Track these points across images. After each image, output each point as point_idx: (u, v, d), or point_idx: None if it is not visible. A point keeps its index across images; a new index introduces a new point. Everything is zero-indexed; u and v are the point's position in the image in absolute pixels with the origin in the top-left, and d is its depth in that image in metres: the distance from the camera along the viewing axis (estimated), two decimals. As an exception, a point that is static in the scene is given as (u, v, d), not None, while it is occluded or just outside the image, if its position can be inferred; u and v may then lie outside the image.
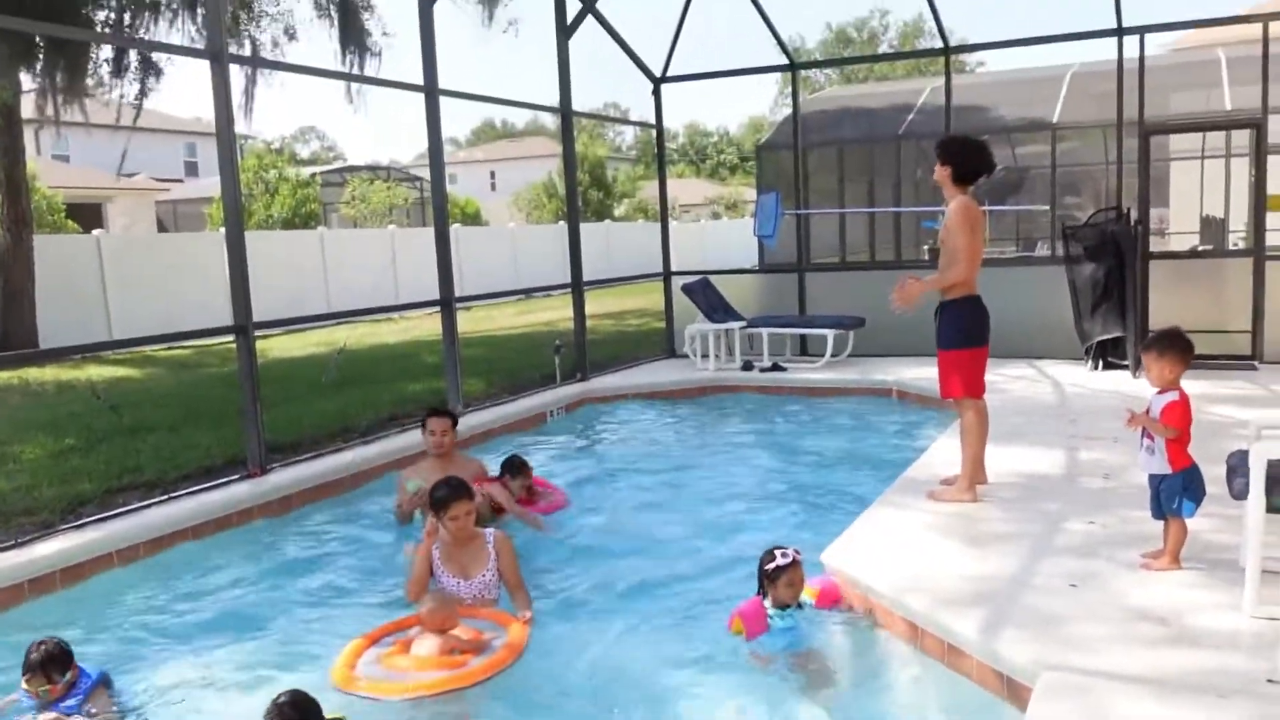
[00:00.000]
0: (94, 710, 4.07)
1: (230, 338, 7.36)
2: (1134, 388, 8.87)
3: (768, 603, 4.59)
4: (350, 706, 4.01)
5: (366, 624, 4.97)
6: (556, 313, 20.42)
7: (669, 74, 12.59)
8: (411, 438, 8.44)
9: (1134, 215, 10.03)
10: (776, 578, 4.56)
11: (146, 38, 16.03)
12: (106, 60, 17.16)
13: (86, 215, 29.05)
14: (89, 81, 16.98)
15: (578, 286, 11.43)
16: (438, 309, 9.46)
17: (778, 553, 4.62)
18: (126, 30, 16.22)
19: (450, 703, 4.17)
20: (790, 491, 7.12)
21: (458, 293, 9.79)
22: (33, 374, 14.38)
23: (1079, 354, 10.38)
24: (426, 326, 19.28)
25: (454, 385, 9.29)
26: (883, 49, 61.12)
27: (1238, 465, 4.26)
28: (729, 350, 11.63)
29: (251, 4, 18.08)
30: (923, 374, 9.22)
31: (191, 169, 42.62)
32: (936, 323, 5.88)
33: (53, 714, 3.97)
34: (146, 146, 37.27)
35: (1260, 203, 10.20)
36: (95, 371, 15.05)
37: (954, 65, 11.98)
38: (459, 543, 5.08)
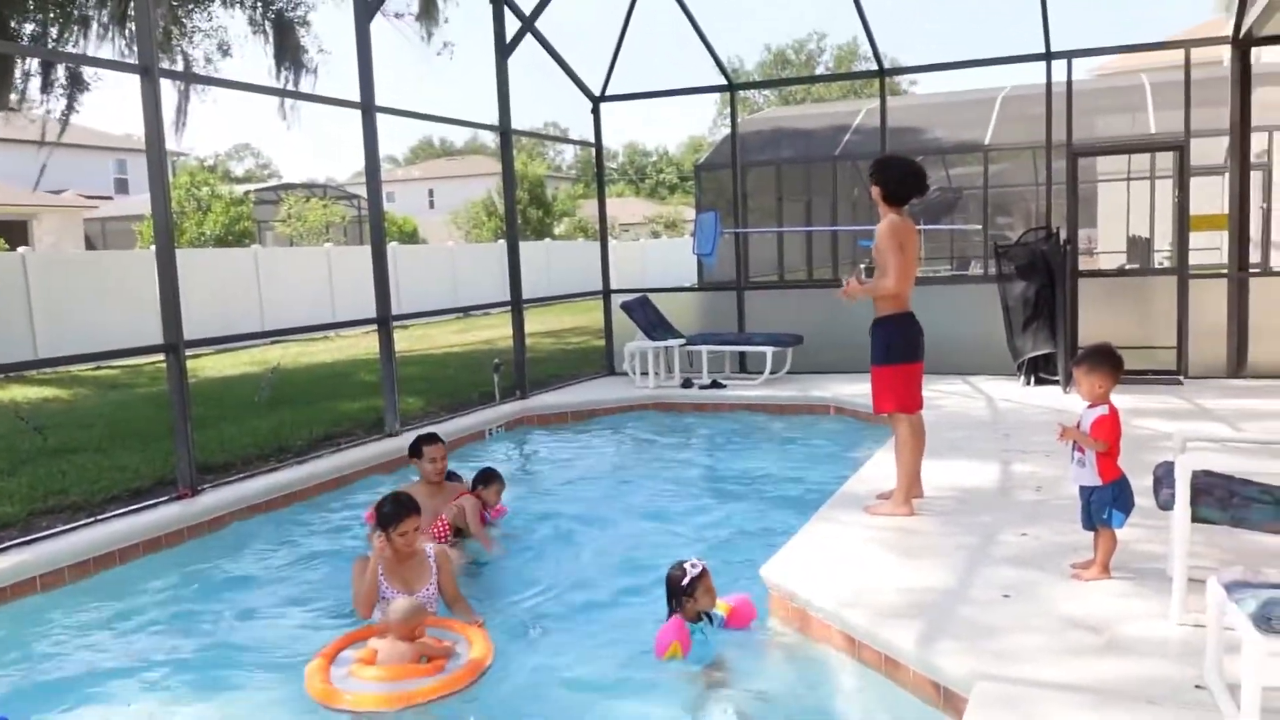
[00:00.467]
0: None
1: (160, 357, 7.21)
2: (1065, 403, 9.05)
3: (718, 611, 4.62)
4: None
5: (304, 644, 4.89)
6: (496, 331, 20.34)
7: (608, 93, 12.64)
8: (347, 457, 8.36)
9: (1063, 235, 10.26)
10: (694, 589, 4.57)
11: (75, 51, 15.71)
12: (30, 74, 16.76)
13: (12, 233, 28.33)
14: (13, 96, 16.58)
15: (517, 305, 11.39)
16: (375, 327, 9.36)
17: (687, 565, 4.64)
18: (54, 44, 15.90)
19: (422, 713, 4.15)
20: (729, 507, 7.13)
21: (395, 311, 9.71)
22: (-47, 395, 13.96)
23: (1011, 370, 10.57)
24: (363, 345, 19.06)
25: (391, 404, 9.19)
26: (819, 71, 62.02)
27: (1164, 477, 4.36)
28: (668, 368, 11.66)
29: (183, 19, 17.82)
30: (859, 390, 9.30)
31: (122, 186, 41.78)
32: (870, 339, 5.96)
33: None
34: (75, 163, 36.48)
35: (1184, 223, 10.48)
36: (19, 392, 14.65)
37: (889, 88, 12.17)
38: (402, 558, 5.04)
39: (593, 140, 13.04)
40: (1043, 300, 10.17)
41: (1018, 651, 3.83)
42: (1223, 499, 4.17)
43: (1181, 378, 10.17)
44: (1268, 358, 10.08)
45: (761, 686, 4.31)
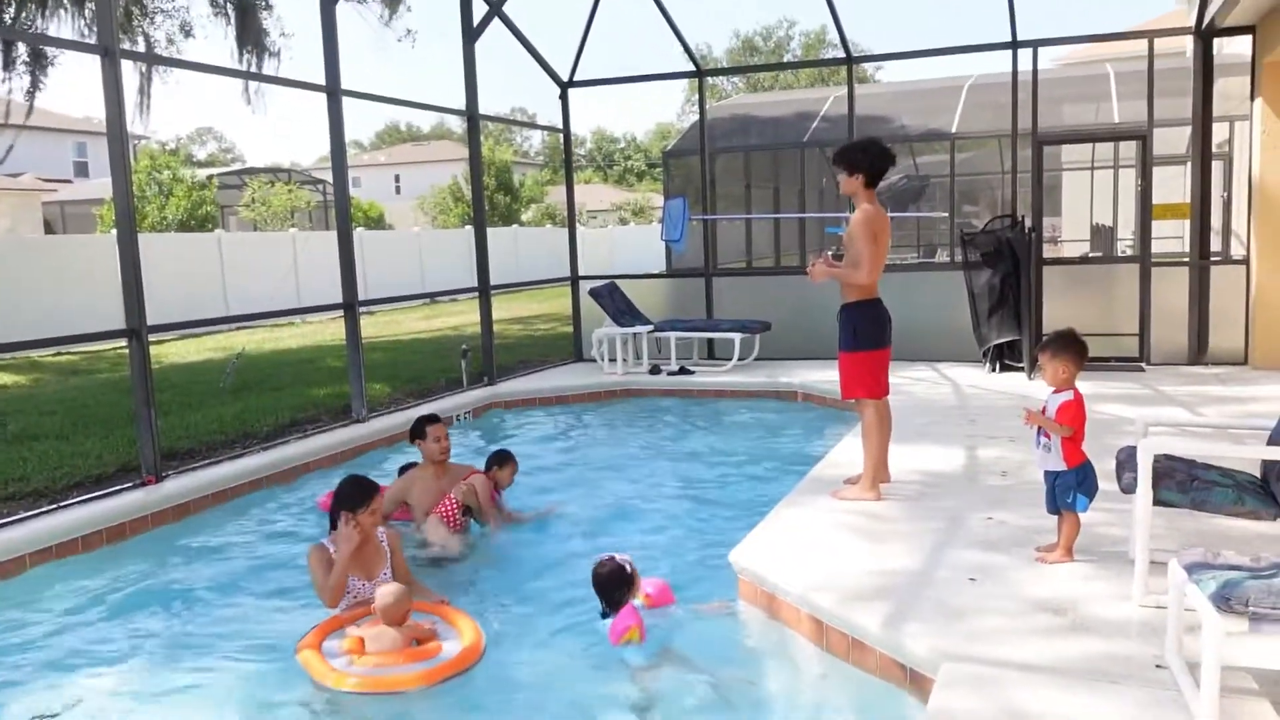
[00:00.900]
0: None
1: (122, 342, 7.11)
2: (1030, 389, 9.15)
3: (637, 602, 4.64)
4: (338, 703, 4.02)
5: (271, 630, 4.88)
6: (463, 318, 20.26)
7: (576, 78, 12.59)
8: (313, 443, 8.30)
9: (1028, 223, 10.35)
10: (633, 579, 4.67)
11: (34, 32, 15.45)
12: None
13: (-32, 216, 27.87)
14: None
15: (485, 290, 11.34)
16: (340, 313, 9.30)
17: (617, 558, 4.73)
18: (13, 23, 15.62)
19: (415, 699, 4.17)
20: (697, 493, 7.16)
21: (362, 296, 9.64)
22: (-90, 381, 13.73)
23: (977, 357, 10.67)
24: (329, 332, 18.93)
25: (358, 390, 9.14)
26: (788, 59, 62.09)
27: (1126, 461, 4.42)
28: (636, 354, 11.66)
29: (144, 0, 17.56)
30: (827, 377, 9.35)
31: (81, 169, 41.16)
32: (838, 325, 5.99)
33: None
34: (34, 145, 35.85)
35: (1146, 211, 10.61)
36: (-22, 378, 14.43)
37: (856, 75, 12.20)
38: (363, 542, 4.98)
39: (561, 126, 12.99)
40: (1008, 288, 10.27)
41: (983, 633, 3.88)
42: (1183, 482, 4.23)
43: (1144, 364, 10.31)
44: (1227, 344, 10.23)
45: (729, 671, 4.33)
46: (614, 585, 4.66)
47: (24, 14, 15.63)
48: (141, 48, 17.19)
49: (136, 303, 6.95)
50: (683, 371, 11.19)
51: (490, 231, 12.70)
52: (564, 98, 12.70)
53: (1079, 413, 4.49)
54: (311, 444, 8.30)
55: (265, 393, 11.30)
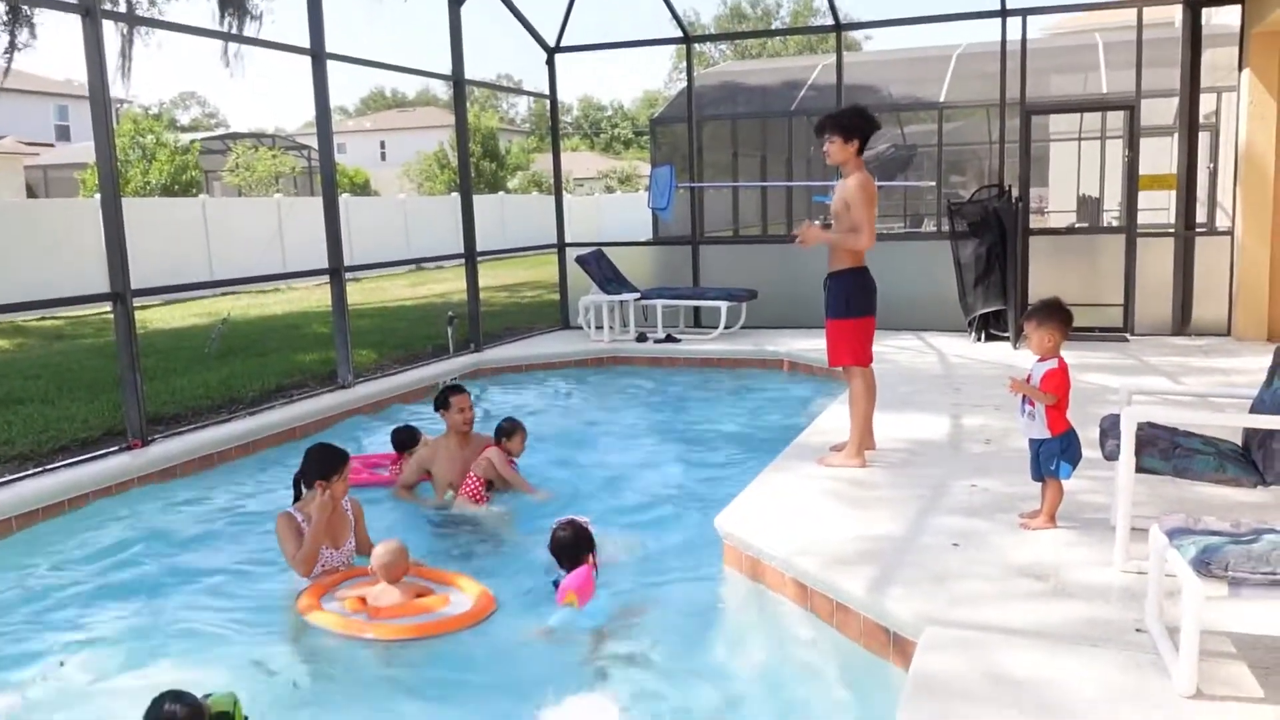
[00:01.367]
0: None
1: (107, 306, 7.07)
2: (1015, 359, 9.19)
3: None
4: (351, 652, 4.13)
5: (256, 591, 4.91)
6: (450, 285, 20.18)
7: (563, 44, 12.50)
8: (299, 409, 8.29)
9: (1015, 193, 10.36)
10: (591, 541, 4.78)
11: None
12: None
13: (-51, 180, 27.57)
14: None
15: (471, 256, 11.30)
16: (326, 279, 9.26)
17: (578, 520, 4.83)
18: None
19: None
20: (683, 459, 7.20)
21: (347, 263, 9.59)
22: (-109, 345, 13.63)
23: (963, 326, 10.70)
24: (315, 298, 18.85)
25: (344, 355, 9.12)
26: (776, 26, 61.69)
27: (1110, 429, 4.45)
28: (623, 322, 11.66)
29: (125, -40, 17.28)
30: (813, 345, 9.37)
31: (63, 133, 40.65)
32: (825, 293, 6.00)
33: None
34: (15, 109, 35.48)
35: (1133, 182, 10.62)
36: (-40, 343, 14.33)
37: (845, 43, 12.14)
38: (334, 508, 5.00)
39: (547, 92, 12.90)
40: (994, 257, 10.29)
41: (966, 597, 3.92)
42: (1166, 450, 4.27)
43: (1128, 335, 10.36)
44: (1211, 315, 10.29)
45: (713, 634, 4.37)
46: (571, 547, 4.73)
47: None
48: (123, 8, 16.93)
49: (121, 266, 6.91)
50: (669, 339, 11.20)
51: (476, 199, 12.64)
52: (550, 63, 12.60)
53: (1064, 381, 4.51)
54: (297, 409, 8.29)
55: (251, 358, 11.26)
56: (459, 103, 11.18)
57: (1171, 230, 10.55)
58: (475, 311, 11.22)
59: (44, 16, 18.19)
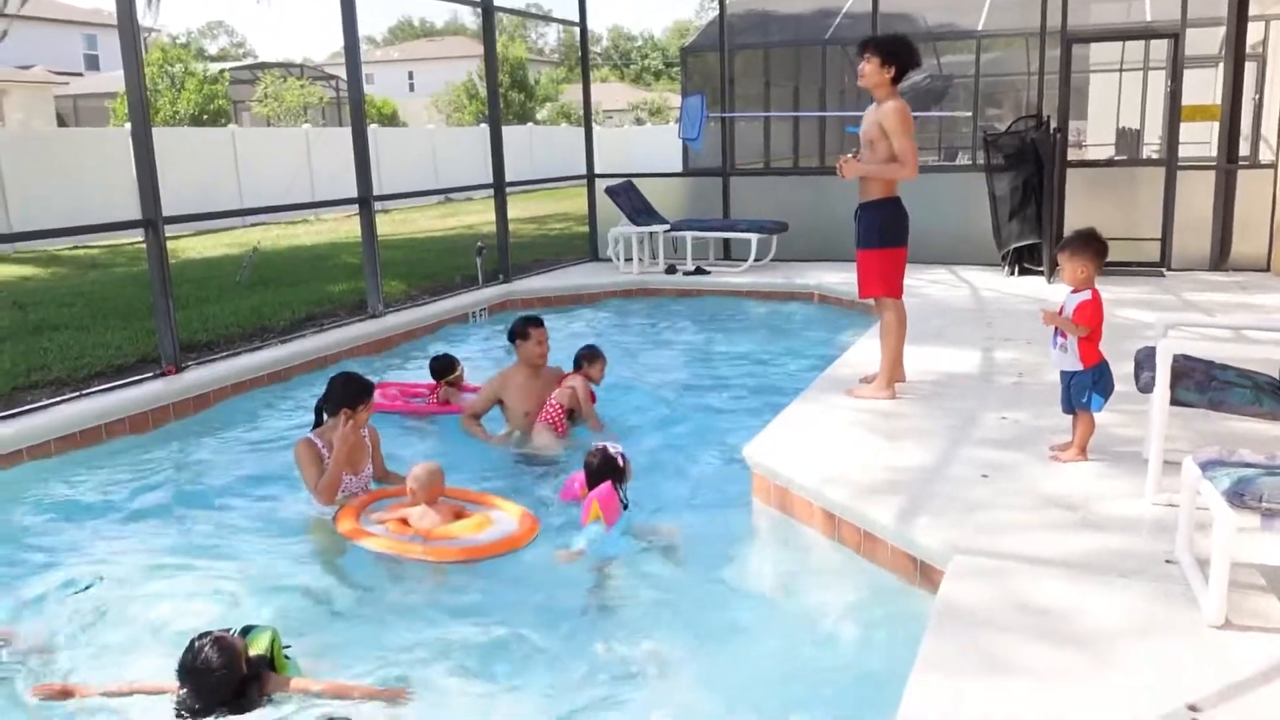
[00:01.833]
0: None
1: (139, 235, 7.10)
2: (1048, 293, 9.08)
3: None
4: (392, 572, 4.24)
5: (289, 515, 4.97)
6: (478, 216, 20.15)
7: (594, -30, 12.29)
8: (330, 338, 8.34)
9: (1053, 124, 10.16)
10: (626, 464, 4.78)
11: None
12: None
13: (-20, 109, 27.65)
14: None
15: (500, 188, 11.25)
16: (355, 210, 9.25)
17: (608, 447, 4.82)
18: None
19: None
20: (713, 391, 7.20)
21: (376, 194, 9.57)
22: (-71, 273, 13.80)
23: (996, 260, 10.58)
24: (345, 229, 18.88)
25: (374, 285, 9.14)
26: (810, -46, 60.30)
27: (1144, 361, 4.40)
28: (652, 254, 11.61)
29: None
30: (843, 278, 9.32)
31: (92, 62, 40.59)
32: (856, 224, 5.93)
33: None
34: (43, 37, 35.40)
35: (1175, 113, 10.39)
36: (-4, 271, 14.50)
37: (882, -32, 11.86)
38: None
39: (577, 20, 12.72)
40: (1030, 190, 10.11)
41: (994, 527, 3.92)
42: (1201, 382, 4.22)
43: (1164, 269, 10.21)
44: (1250, 250, 10.11)
45: (742, 563, 4.40)
46: (600, 473, 4.75)
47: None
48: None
49: (152, 193, 6.93)
50: (699, 271, 11.15)
51: (505, 130, 12.54)
52: (581, -11, 12.41)
53: (1097, 312, 4.45)
54: (328, 338, 8.34)
55: (281, 288, 11.32)
56: (488, 31, 11.04)
57: (1213, 163, 10.33)
58: (504, 242, 11.20)
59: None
